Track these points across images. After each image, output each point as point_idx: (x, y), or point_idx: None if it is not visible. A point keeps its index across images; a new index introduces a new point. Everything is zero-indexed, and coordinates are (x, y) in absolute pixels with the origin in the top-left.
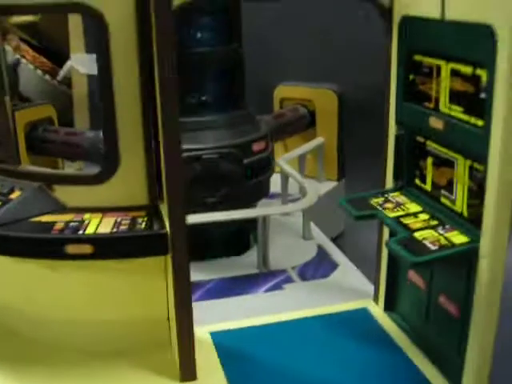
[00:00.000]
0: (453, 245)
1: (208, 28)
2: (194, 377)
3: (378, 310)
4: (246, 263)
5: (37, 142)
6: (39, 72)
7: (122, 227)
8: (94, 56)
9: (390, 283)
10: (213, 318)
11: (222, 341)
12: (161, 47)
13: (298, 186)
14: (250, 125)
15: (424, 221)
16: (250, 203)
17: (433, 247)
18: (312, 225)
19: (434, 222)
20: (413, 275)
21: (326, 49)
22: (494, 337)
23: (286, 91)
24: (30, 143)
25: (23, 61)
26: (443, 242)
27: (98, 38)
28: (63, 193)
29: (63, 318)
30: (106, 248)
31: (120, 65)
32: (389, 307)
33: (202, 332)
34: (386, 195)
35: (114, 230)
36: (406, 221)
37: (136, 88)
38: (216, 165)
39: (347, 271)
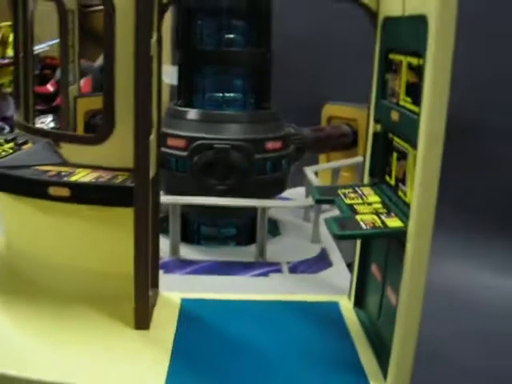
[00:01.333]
0: (385, 227)
1: (237, 31)
2: (146, 326)
3: (347, 306)
4: (247, 252)
5: (94, 128)
6: None
7: (101, 179)
8: (175, 68)
9: (360, 280)
10: (191, 289)
11: (188, 306)
12: (140, 27)
13: None
14: (270, 124)
15: (374, 209)
16: (257, 197)
17: (364, 227)
18: (325, 232)
19: (383, 210)
20: (374, 269)
21: None
22: (418, 325)
23: (333, 110)
24: (89, 129)
25: None
26: (377, 224)
27: (105, 22)
28: (67, 151)
29: (49, 260)
30: (80, 193)
31: (121, 45)
32: (357, 303)
33: (175, 297)
34: (356, 188)
35: (93, 180)
36: (357, 207)
37: (132, 63)
38: (226, 155)
39: (338, 272)
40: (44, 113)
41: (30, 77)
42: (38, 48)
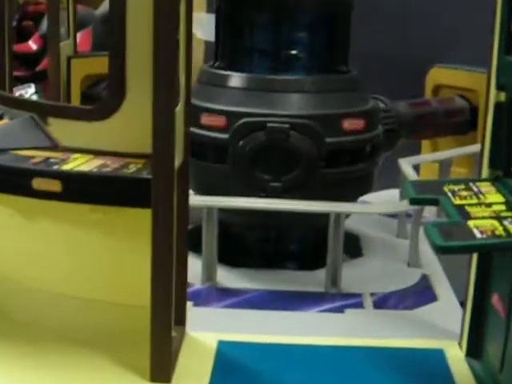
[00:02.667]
0: (508, 236)
1: None
2: (167, 378)
3: (457, 354)
4: (314, 279)
5: (96, 101)
6: None
7: (106, 169)
8: (213, 16)
9: (476, 318)
10: (232, 329)
11: (226, 351)
12: None
13: None
14: (347, 95)
15: (495, 211)
16: (329, 200)
17: (479, 235)
18: (428, 251)
19: (507, 214)
20: (496, 301)
21: None
22: None
23: (442, 76)
24: (88, 102)
25: None
26: (499, 232)
27: None
28: (58, 129)
29: (32, 285)
30: (76, 188)
31: None
32: (471, 351)
33: (211, 339)
34: (471, 183)
35: (94, 170)
36: (470, 209)
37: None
38: (285, 138)
39: (445, 308)
40: (24, 81)
41: (6, 30)
42: None
